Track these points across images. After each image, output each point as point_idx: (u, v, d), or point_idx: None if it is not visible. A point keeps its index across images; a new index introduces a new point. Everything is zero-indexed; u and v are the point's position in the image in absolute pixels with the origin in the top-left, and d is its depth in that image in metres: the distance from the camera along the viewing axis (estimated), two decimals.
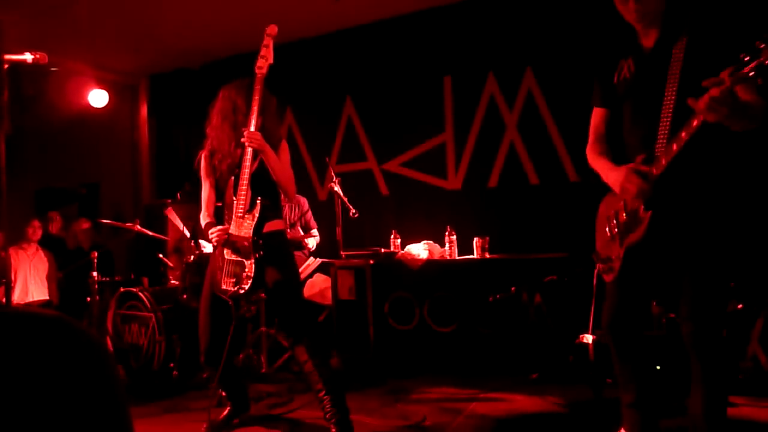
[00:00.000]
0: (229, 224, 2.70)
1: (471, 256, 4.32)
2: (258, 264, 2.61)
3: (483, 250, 4.26)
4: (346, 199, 4.27)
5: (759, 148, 3.50)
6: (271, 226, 2.76)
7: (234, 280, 2.61)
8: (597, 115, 2.26)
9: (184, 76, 6.42)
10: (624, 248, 2.11)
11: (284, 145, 2.86)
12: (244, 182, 2.63)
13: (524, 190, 4.66)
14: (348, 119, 5.56)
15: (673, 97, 1.94)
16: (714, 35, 1.91)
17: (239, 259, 2.63)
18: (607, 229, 2.19)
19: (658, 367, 3.06)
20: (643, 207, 2.02)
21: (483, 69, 4.83)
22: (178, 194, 5.54)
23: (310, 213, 4.88)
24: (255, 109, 2.67)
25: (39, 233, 5.23)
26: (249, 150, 2.66)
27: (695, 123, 1.82)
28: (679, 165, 1.92)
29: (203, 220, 2.86)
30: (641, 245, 2.05)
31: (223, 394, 3.24)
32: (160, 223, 5.32)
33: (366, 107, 5.48)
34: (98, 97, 5.90)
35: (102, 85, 5.98)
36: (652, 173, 1.96)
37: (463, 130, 4.99)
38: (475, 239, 4.31)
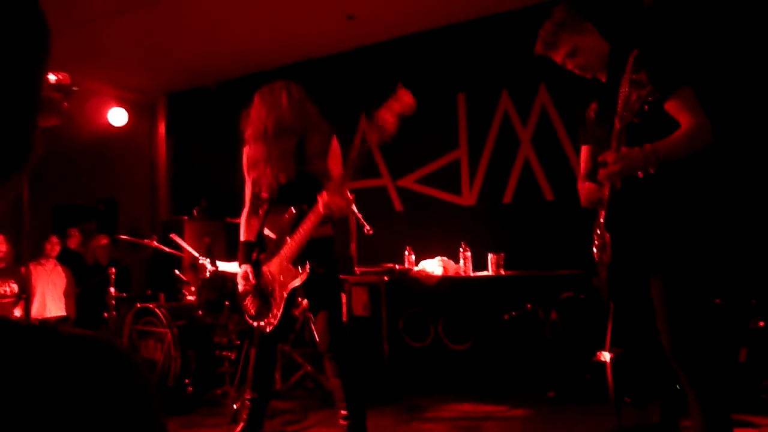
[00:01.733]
0: (269, 258, 2.60)
1: (486, 273, 4.28)
2: (285, 314, 2.52)
3: (498, 266, 4.23)
4: (360, 216, 4.19)
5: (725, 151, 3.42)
6: (319, 232, 2.65)
7: (258, 311, 2.57)
8: (582, 151, 2.43)
9: (201, 94, 6.48)
10: (604, 270, 2.16)
11: (334, 144, 2.78)
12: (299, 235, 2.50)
13: (539, 205, 4.63)
14: (362, 136, 5.59)
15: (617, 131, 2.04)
16: (649, 63, 1.97)
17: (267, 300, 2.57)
18: (594, 249, 2.25)
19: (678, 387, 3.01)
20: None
21: (497, 86, 4.84)
22: (195, 210, 5.58)
23: None
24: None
25: (57, 249, 5.27)
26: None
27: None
28: (623, 192, 2.04)
29: (242, 233, 2.73)
30: (613, 265, 2.11)
31: (236, 408, 3.26)
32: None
33: None
34: (118, 116, 5.98)
35: (121, 103, 6.06)
36: (603, 195, 2.11)
37: (478, 146, 4.98)
38: (490, 255, 4.27)
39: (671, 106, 1.98)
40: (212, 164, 6.32)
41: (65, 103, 1.72)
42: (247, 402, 2.83)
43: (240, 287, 2.65)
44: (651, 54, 1.99)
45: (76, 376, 0.37)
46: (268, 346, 2.69)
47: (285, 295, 2.54)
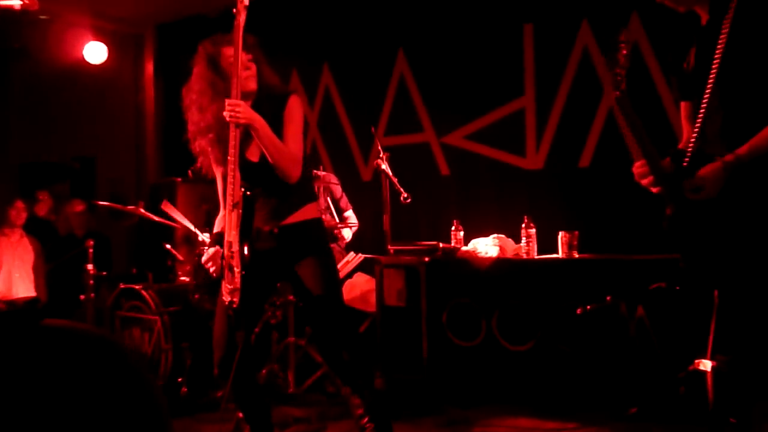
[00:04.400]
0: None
1: (554, 255, 4.27)
2: (247, 276, 2.64)
3: (570, 247, 4.20)
4: (395, 180, 4.28)
5: None
6: (298, 215, 2.83)
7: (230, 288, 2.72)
8: (681, 109, 2.44)
9: (198, 24, 6.43)
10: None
11: (293, 102, 2.87)
12: (231, 169, 2.66)
13: (626, 171, 4.48)
14: (400, 79, 5.59)
15: (712, 82, 2.12)
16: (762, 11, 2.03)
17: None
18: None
19: None
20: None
21: (575, 15, 4.76)
22: (190, 171, 5.64)
23: (343, 194, 4.93)
24: (236, 67, 2.66)
25: (24, 216, 5.35)
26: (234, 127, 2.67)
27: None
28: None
29: (216, 226, 2.94)
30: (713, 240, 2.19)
31: (241, 416, 3.30)
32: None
33: (423, 64, 5.47)
34: (95, 52, 6.05)
35: (100, 36, 6.12)
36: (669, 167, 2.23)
37: (548, 93, 4.91)
38: (561, 234, 4.25)
39: None
40: None
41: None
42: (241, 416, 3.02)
43: (210, 271, 2.82)
44: None
45: (76, 379, 0.39)
46: (237, 333, 2.80)
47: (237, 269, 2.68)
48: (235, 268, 2.63)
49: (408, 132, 5.50)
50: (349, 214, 5.00)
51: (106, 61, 6.09)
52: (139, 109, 6.96)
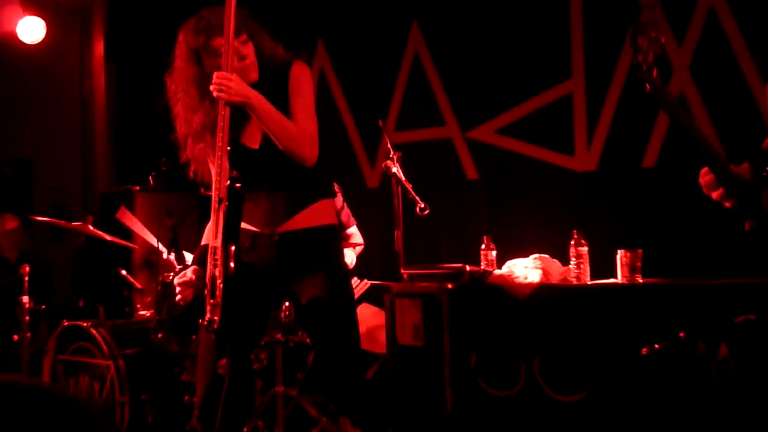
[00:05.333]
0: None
1: (612, 280, 4.25)
2: (236, 293, 2.67)
3: (632, 270, 4.16)
4: (410, 187, 4.27)
5: None
6: (307, 218, 2.89)
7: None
8: (767, 92, 2.50)
9: None
10: None
11: (298, 71, 2.93)
12: (218, 157, 2.70)
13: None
14: (414, 59, 5.63)
15: None
16: None
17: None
18: None
19: None
20: None
21: None
22: (151, 177, 5.67)
23: (344, 205, 4.93)
24: (228, 39, 2.71)
25: None
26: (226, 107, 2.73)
27: None
28: None
29: (204, 239, 3.02)
30: None
31: None
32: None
33: (444, 39, 5.49)
34: (30, 28, 6.06)
35: (36, 10, 6.13)
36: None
37: (603, 73, 4.91)
38: (620, 253, 4.20)
39: None
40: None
41: None
42: None
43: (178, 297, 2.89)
44: None
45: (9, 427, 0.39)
46: (220, 361, 2.85)
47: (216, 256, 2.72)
48: (218, 279, 2.65)
49: (425, 125, 5.53)
50: (352, 230, 5.02)
51: (44, 40, 6.11)
52: (87, 99, 6.98)
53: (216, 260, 2.67)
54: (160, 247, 4.29)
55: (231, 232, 2.69)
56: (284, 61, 2.96)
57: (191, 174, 3.09)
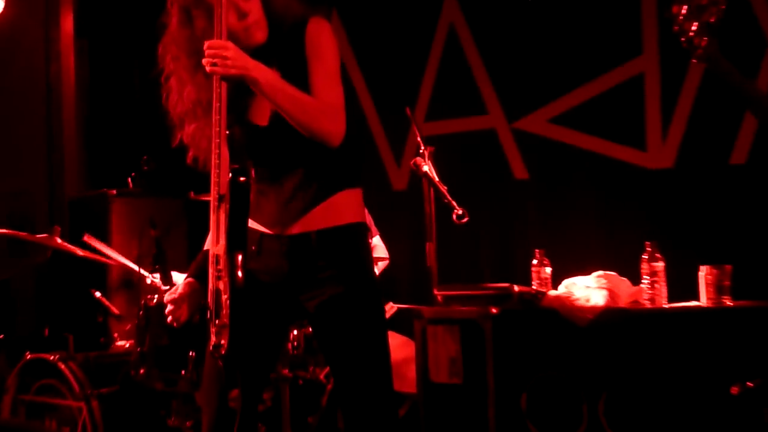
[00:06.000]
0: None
1: (694, 303, 4.21)
2: (244, 310, 2.61)
3: (719, 290, 4.10)
4: (444, 189, 4.23)
5: None
6: (326, 214, 2.81)
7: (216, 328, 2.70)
8: None
9: None
10: None
11: (316, 28, 2.82)
12: (215, 144, 2.64)
13: None
14: (449, 32, 5.61)
15: None
16: None
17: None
18: None
19: None
20: None
21: None
22: (130, 179, 5.61)
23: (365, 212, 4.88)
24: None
25: None
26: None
27: None
28: None
29: (206, 244, 3.00)
30: None
31: None
32: (97, 232, 5.22)
33: (485, 8, 5.48)
34: None
35: None
36: None
37: (680, 51, 4.82)
38: (703, 269, 4.17)
39: None
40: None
41: None
42: None
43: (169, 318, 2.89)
44: None
45: None
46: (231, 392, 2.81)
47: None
48: (223, 295, 2.57)
49: (463, 114, 5.51)
50: (375, 242, 4.97)
51: (1, 15, 6.13)
52: (53, 85, 6.94)
53: (219, 271, 2.58)
54: (138, 269, 4.27)
55: (236, 237, 2.61)
56: (298, 18, 2.85)
57: (189, 160, 2.96)
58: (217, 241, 2.60)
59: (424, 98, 5.65)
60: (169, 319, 2.85)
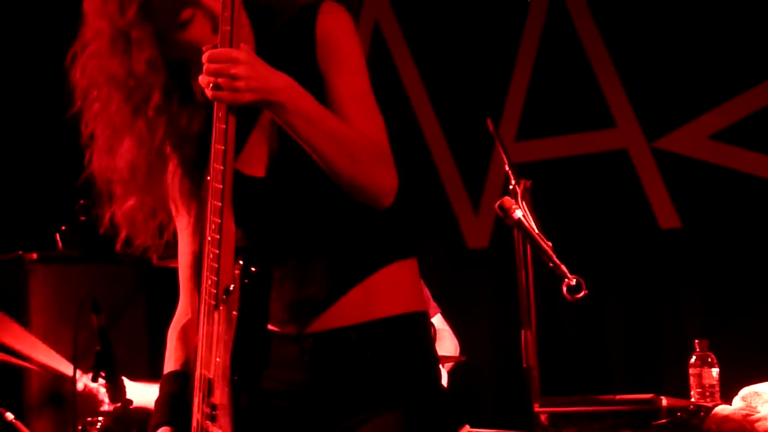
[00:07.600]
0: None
1: None
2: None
3: None
4: (548, 247, 4.19)
5: None
6: (363, 305, 2.75)
7: None
8: None
9: None
10: None
11: (332, 21, 2.72)
12: (212, 211, 2.56)
13: None
14: (550, 10, 5.66)
15: None
16: None
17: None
18: None
19: None
20: None
21: None
22: (58, 236, 5.63)
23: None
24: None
25: None
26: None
27: None
28: None
29: (166, 360, 2.96)
30: None
31: None
32: (9, 315, 5.34)
33: None
34: None
35: None
36: None
37: None
38: None
39: None
40: None
41: None
42: None
43: None
44: None
45: None
46: None
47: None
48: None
49: (577, 129, 5.57)
50: (437, 325, 4.85)
51: None
52: None
53: (214, 408, 2.55)
54: (79, 377, 4.13)
55: (248, 354, 2.59)
56: (304, 5, 2.72)
57: (119, 244, 2.90)
58: (210, 362, 2.58)
59: (514, 107, 5.69)
60: None
